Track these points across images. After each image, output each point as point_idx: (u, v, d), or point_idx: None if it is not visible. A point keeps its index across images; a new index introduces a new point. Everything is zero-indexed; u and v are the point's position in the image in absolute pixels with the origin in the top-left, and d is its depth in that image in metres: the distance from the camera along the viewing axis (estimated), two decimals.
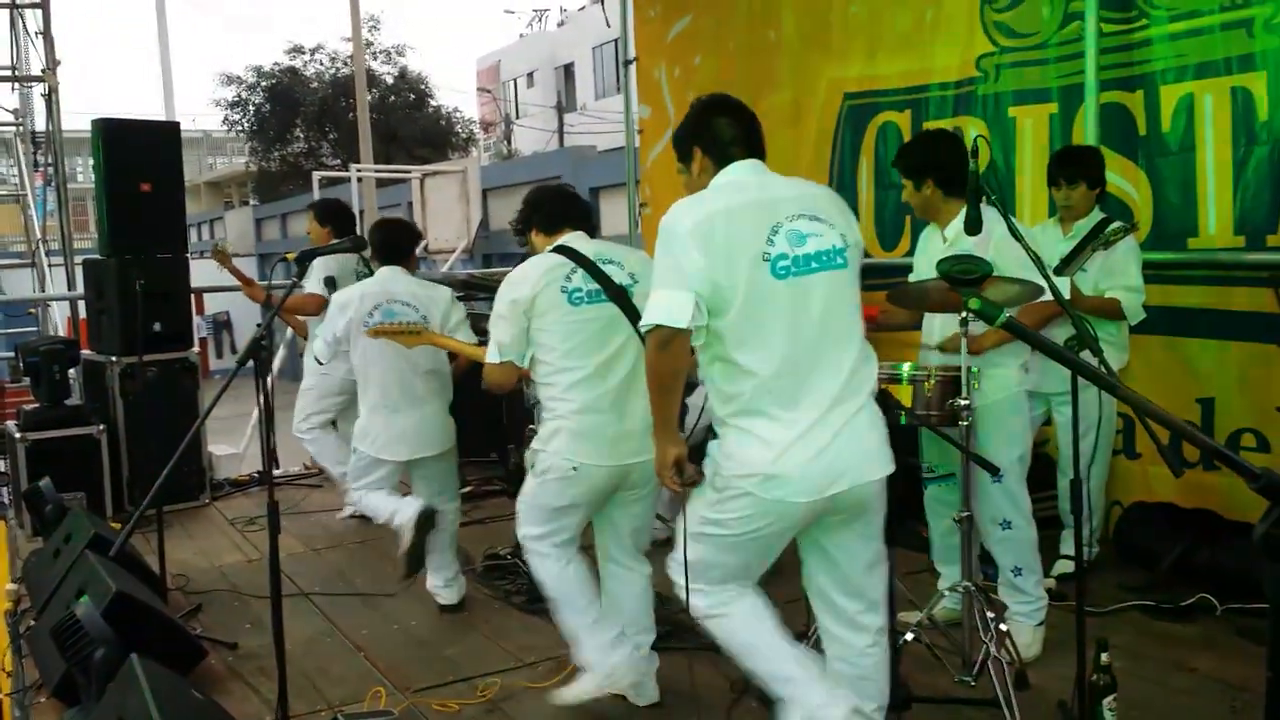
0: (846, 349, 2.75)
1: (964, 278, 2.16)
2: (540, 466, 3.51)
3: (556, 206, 3.72)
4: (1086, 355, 3.00)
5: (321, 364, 4.59)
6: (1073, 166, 4.48)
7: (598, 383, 3.43)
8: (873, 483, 2.78)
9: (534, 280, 3.47)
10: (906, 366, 3.67)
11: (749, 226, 2.70)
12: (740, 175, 2.84)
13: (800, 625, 3.86)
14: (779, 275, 2.68)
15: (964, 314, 3.40)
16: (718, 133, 2.89)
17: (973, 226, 3.27)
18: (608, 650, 3.52)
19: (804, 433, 2.66)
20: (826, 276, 2.73)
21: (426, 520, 4.31)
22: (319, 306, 5.33)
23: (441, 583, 4.66)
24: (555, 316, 3.45)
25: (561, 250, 3.54)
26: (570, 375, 3.45)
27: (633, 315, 3.43)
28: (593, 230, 3.70)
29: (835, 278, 2.75)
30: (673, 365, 2.69)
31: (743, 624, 2.87)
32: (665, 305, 2.64)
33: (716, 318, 2.67)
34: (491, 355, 3.54)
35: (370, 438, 4.55)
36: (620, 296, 3.46)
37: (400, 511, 4.38)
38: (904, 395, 3.61)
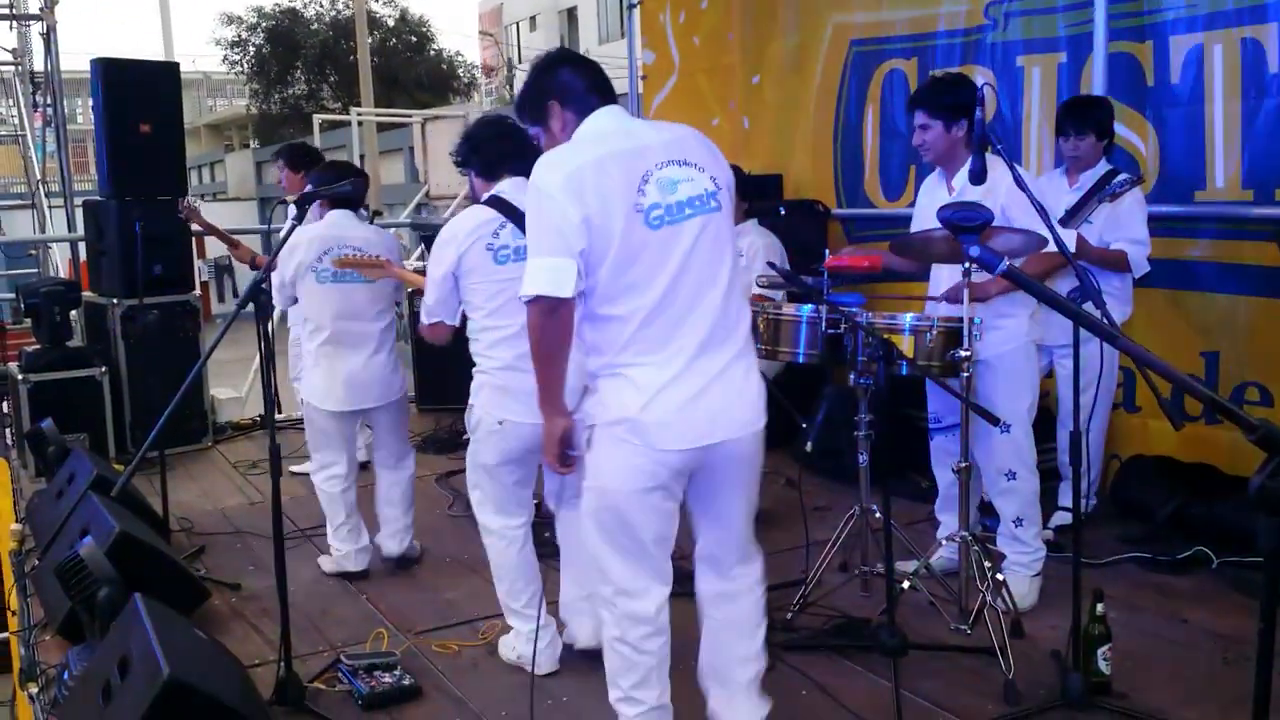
0: (714, 293, 2.66)
1: (965, 225, 2.15)
2: (472, 423, 3.49)
3: (494, 150, 3.57)
4: (1089, 307, 2.99)
5: (277, 309, 4.45)
6: (1081, 116, 4.43)
7: (521, 341, 3.24)
8: (750, 436, 2.71)
9: (460, 240, 3.43)
10: (908, 316, 3.67)
11: (619, 178, 2.57)
12: (603, 123, 2.72)
13: (800, 571, 3.91)
14: (653, 225, 2.58)
15: (966, 263, 3.39)
16: (573, 83, 2.76)
17: (977, 177, 3.25)
18: (527, 640, 3.47)
19: (674, 378, 2.58)
20: (700, 221, 2.64)
21: (357, 573, 4.45)
22: None
23: (388, 533, 4.63)
24: (481, 275, 3.41)
25: (493, 202, 3.47)
26: (494, 334, 3.41)
27: None
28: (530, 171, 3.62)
29: (708, 221, 2.65)
30: (559, 335, 2.59)
31: (654, 671, 2.77)
32: (547, 274, 2.53)
33: (590, 275, 2.58)
34: (422, 315, 3.54)
35: (312, 389, 4.41)
36: None
37: (345, 555, 4.47)
38: (906, 346, 3.62)
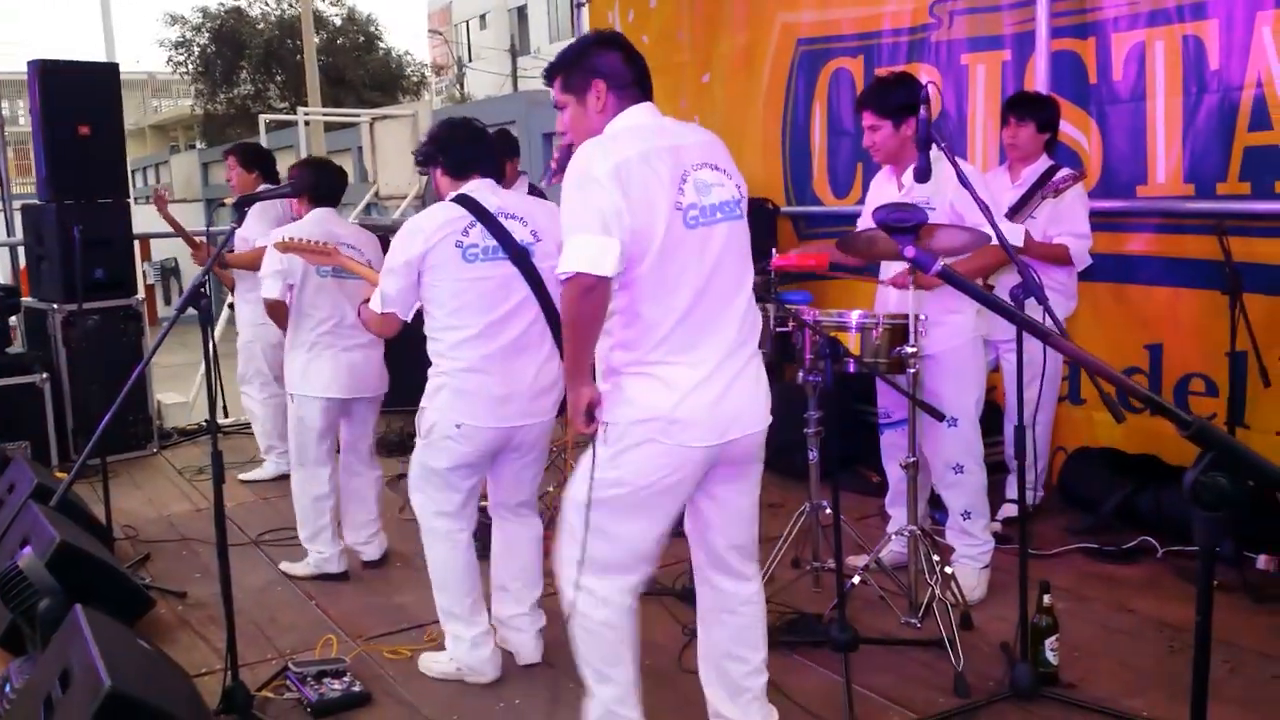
0: (740, 298, 2.73)
1: (900, 226, 2.17)
2: (425, 425, 3.43)
3: (465, 151, 3.54)
4: (1032, 303, 3.02)
5: (269, 301, 4.40)
6: (1025, 106, 4.49)
7: (485, 343, 3.33)
8: (760, 432, 2.76)
9: (428, 234, 3.35)
10: (855, 314, 3.69)
11: (664, 174, 2.59)
12: (641, 119, 2.73)
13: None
14: (690, 225, 2.62)
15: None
16: (624, 72, 2.74)
17: (922, 175, 3.28)
18: (470, 646, 3.47)
19: (705, 378, 2.61)
20: (727, 227, 2.69)
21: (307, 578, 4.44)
22: None
23: (364, 538, 4.61)
24: (447, 272, 3.34)
25: (463, 201, 3.42)
26: (457, 334, 3.35)
27: (531, 275, 3.36)
28: (500, 176, 3.55)
29: (734, 228, 2.71)
30: (594, 313, 2.57)
31: (618, 645, 2.75)
32: (588, 251, 2.50)
33: (630, 269, 2.58)
34: (374, 302, 3.42)
35: (321, 377, 4.36)
36: (520, 256, 3.36)
37: (329, 559, 4.46)
38: (853, 343, 3.64)
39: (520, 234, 3.39)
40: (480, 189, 3.47)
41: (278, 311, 4.40)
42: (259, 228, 5.41)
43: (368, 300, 3.51)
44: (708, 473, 2.73)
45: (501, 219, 3.39)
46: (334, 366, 4.35)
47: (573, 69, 2.78)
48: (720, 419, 2.64)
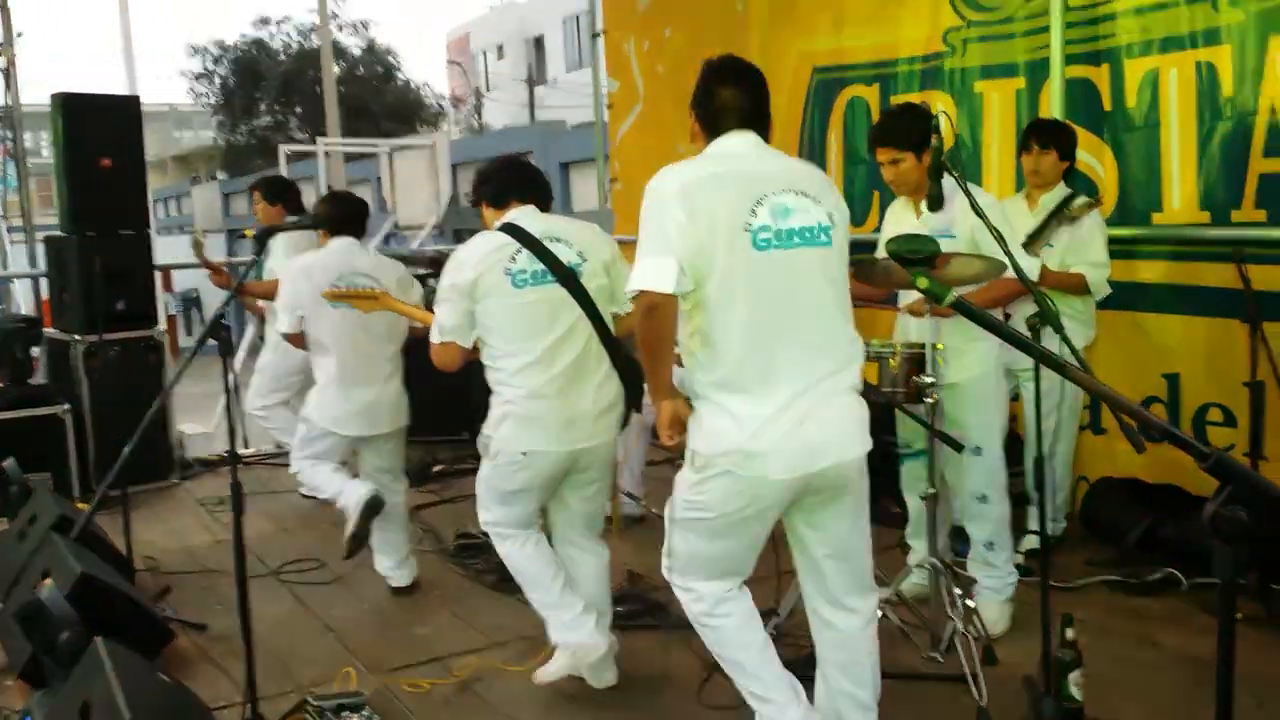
0: (827, 326, 2.73)
1: (912, 257, 2.17)
2: (491, 451, 3.48)
3: (503, 179, 3.61)
4: (1048, 333, 3.01)
5: (285, 334, 4.46)
6: (1046, 133, 4.49)
7: (545, 367, 3.36)
8: (852, 461, 2.75)
9: (475, 262, 3.38)
10: (873, 343, 3.68)
11: (733, 195, 2.66)
12: (732, 147, 2.80)
13: (771, 602, 3.89)
14: (760, 247, 2.64)
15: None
16: (713, 100, 2.85)
17: (934, 204, 3.29)
18: (568, 629, 3.51)
19: (780, 408, 2.63)
20: (809, 252, 2.70)
21: (373, 506, 4.29)
22: None
23: (393, 564, 4.62)
24: (499, 300, 3.37)
25: (507, 229, 3.45)
26: (516, 360, 3.38)
27: (581, 296, 3.38)
28: (545, 203, 3.59)
29: (818, 254, 2.72)
30: (660, 331, 2.66)
31: (735, 634, 2.85)
32: (650, 270, 2.60)
33: (698, 287, 2.64)
34: (433, 334, 3.47)
35: (325, 410, 4.42)
36: (568, 278, 3.39)
37: (346, 493, 4.36)
38: (869, 372, 3.63)
39: (567, 256, 3.41)
40: (522, 215, 3.51)
41: (295, 343, 4.50)
42: (283, 259, 5.48)
43: (421, 333, 3.55)
44: (800, 500, 2.75)
45: (547, 242, 3.42)
46: (344, 404, 4.39)
47: (692, 101, 2.91)
48: (801, 450, 2.65)
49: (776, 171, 2.76)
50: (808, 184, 2.78)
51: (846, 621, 2.88)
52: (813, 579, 2.90)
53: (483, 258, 3.39)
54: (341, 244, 4.47)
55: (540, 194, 3.60)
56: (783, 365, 2.65)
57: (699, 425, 2.72)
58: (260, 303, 5.92)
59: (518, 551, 3.57)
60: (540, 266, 3.39)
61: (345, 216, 4.54)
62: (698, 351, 2.71)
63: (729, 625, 2.85)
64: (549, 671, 3.57)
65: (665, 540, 2.87)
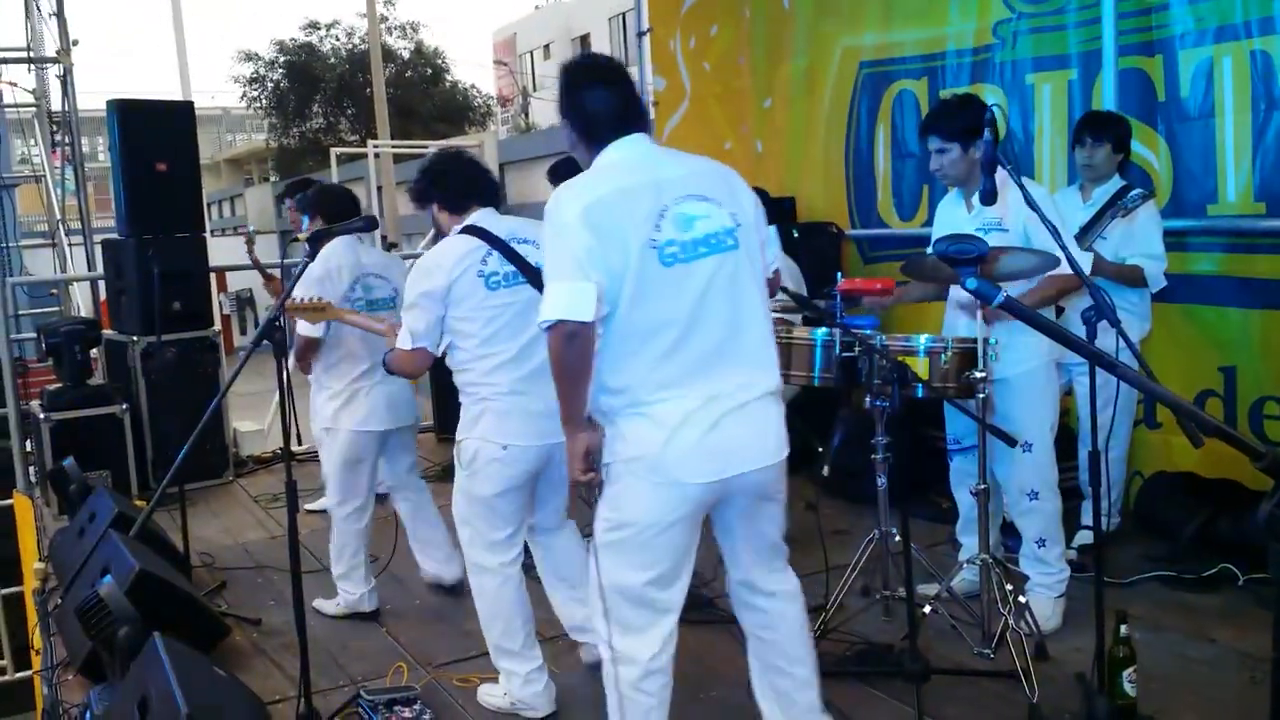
0: (740, 333, 2.66)
1: (960, 258, 2.15)
2: (467, 455, 3.43)
3: (462, 184, 3.57)
4: (1104, 327, 2.97)
5: (312, 337, 4.38)
6: (1100, 125, 4.43)
7: (521, 364, 3.35)
8: (770, 467, 2.71)
9: (449, 268, 3.37)
10: (923, 338, 3.66)
11: (637, 211, 2.58)
12: (623, 154, 2.71)
13: (820, 596, 3.87)
14: (666, 263, 2.58)
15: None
16: (584, 108, 2.73)
17: (987, 198, 3.25)
18: (523, 683, 3.46)
19: (693, 412, 2.58)
20: (717, 260, 2.63)
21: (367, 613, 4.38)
22: None
23: (438, 562, 4.60)
24: (473, 303, 3.37)
25: (472, 230, 3.45)
26: (492, 360, 3.38)
27: None
28: (499, 204, 3.58)
29: (726, 260, 2.65)
30: (581, 359, 2.57)
31: (645, 691, 2.70)
32: (566, 298, 2.51)
33: (610, 309, 2.57)
34: (403, 340, 3.42)
35: (361, 412, 4.32)
36: (538, 278, 3.31)
37: (360, 598, 4.38)
38: (921, 368, 3.61)
39: (534, 256, 3.38)
40: (485, 217, 3.51)
41: (311, 349, 4.29)
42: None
43: (393, 348, 3.50)
44: (719, 510, 2.72)
45: (514, 244, 3.43)
46: (371, 400, 4.32)
47: (560, 111, 2.80)
48: (715, 455, 2.60)
49: (675, 178, 2.67)
50: (708, 186, 2.70)
51: (769, 604, 2.86)
52: (735, 569, 2.88)
53: (456, 262, 3.39)
54: (349, 243, 4.39)
55: (495, 195, 3.60)
56: (698, 374, 2.59)
57: (614, 435, 2.65)
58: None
59: (494, 591, 3.51)
60: (511, 268, 3.40)
61: (346, 214, 4.36)
62: (605, 374, 2.64)
63: (653, 706, 2.71)
64: (491, 703, 3.56)
65: (592, 580, 2.73)
